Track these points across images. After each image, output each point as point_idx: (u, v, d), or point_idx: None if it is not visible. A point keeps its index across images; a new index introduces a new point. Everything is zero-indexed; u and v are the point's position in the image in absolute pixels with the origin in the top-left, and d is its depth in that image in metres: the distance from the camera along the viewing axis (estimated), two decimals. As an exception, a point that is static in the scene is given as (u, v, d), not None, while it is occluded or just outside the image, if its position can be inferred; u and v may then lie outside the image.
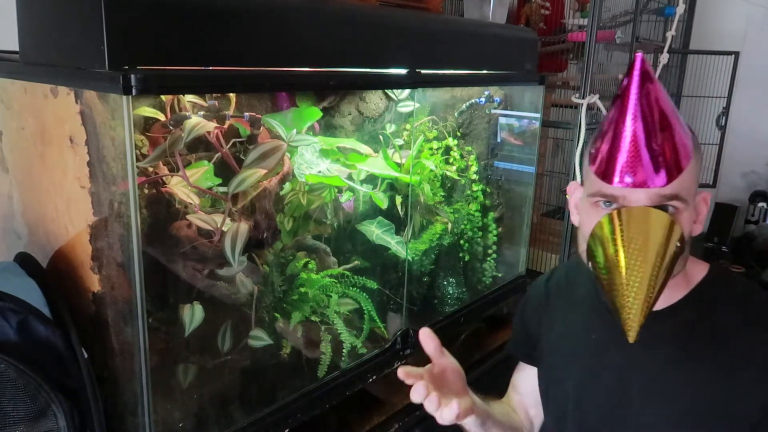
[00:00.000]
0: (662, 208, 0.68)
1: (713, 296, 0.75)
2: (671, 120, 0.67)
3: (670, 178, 0.66)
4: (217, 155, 0.94)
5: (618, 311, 0.65)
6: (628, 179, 0.67)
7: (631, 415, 0.76)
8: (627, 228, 0.66)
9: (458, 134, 1.43)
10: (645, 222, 0.66)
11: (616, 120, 0.68)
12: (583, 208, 0.77)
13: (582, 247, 0.75)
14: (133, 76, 0.67)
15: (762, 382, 0.69)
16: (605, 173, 0.69)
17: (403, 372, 0.69)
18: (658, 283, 0.65)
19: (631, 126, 0.67)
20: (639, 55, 0.68)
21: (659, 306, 0.74)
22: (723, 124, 2.46)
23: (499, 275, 1.52)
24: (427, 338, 0.75)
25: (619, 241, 0.66)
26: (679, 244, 0.66)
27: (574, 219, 0.82)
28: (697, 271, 0.76)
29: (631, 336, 0.64)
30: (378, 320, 1.17)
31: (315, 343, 1.09)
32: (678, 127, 0.68)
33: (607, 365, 0.79)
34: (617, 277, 0.65)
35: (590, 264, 0.71)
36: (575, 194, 0.84)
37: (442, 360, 0.76)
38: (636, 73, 0.68)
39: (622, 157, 0.67)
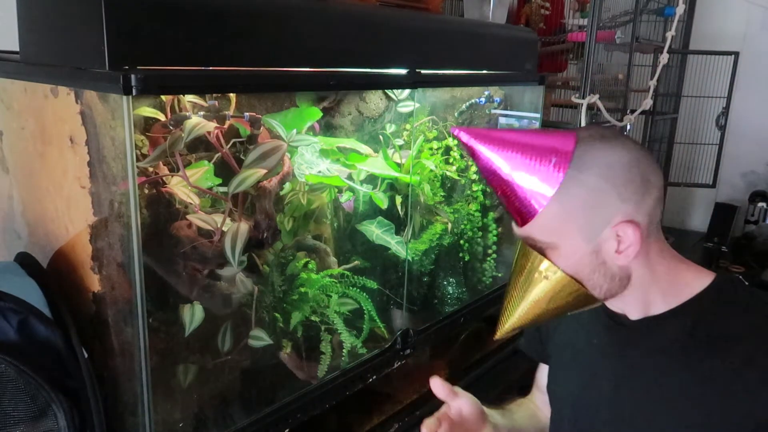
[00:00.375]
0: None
1: (715, 304, 0.74)
2: (506, 181, 0.70)
3: (519, 225, 0.72)
4: (217, 155, 0.94)
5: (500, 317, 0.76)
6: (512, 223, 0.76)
7: (626, 422, 0.76)
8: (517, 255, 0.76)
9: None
10: (523, 251, 0.74)
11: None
12: None
13: None
14: (133, 76, 0.67)
15: (761, 392, 0.68)
16: None
17: (424, 428, 0.76)
18: (520, 300, 0.74)
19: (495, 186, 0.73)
20: (458, 132, 0.71)
21: (633, 316, 0.77)
22: (723, 124, 2.46)
23: (499, 275, 1.52)
24: (438, 387, 0.80)
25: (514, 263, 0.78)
26: (545, 274, 0.72)
27: None
28: (699, 279, 0.76)
29: (497, 334, 0.76)
30: (378, 320, 1.17)
31: (315, 343, 1.09)
32: (516, 184, 0.70)
33: (605, 371, 0.80)
34: (508, 290, 0.76)
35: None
36: None
37: (456, 401, 0.80)
38: (466, 148, 0.71)
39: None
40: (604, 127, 0.73)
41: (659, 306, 0.75)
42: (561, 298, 0.72)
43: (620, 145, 0.70)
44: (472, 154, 0.71)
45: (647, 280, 0.74)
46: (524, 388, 1.03)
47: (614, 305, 0.78)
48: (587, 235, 0.70)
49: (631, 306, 0.76)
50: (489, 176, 0.71)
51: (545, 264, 0.71)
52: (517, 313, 0.75)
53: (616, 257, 0.70)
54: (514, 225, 0.74)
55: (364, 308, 1.15)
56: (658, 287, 0.74)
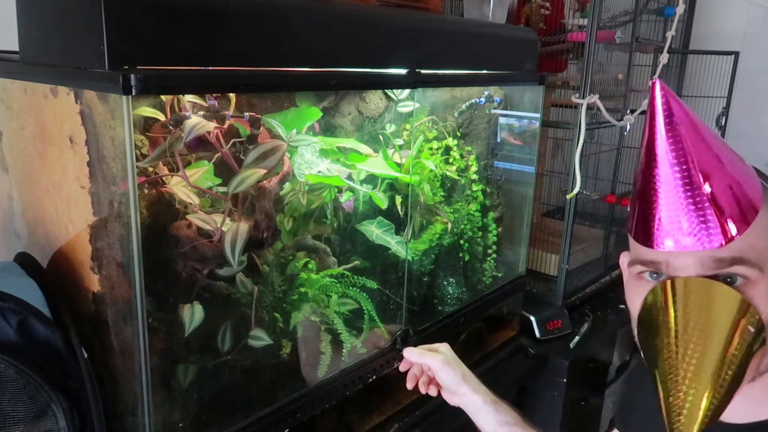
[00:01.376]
0: (723, 277, 0.51)
1: None
2: (721, 158, 0.52)
3: (727, 237, 0.50)
4: (216, 155, 0.93)
5: (667, 417, 0.49)
6: (668, 241, 0.52)
7: None
8: (679, 306, 0.50)
9: (458, 134, 1.43)
10: (700, 297, 0.50)
11: (644, 169, 0.54)
12: (627, 283, 0.62)
13: (634, 335, 0.59)
14: (133, 76, 0.67)
15: None
16: (641, 234, 0.55)
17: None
18: (724, 384, 0.48)
19: (663, 176, 0.52)
20: (656, 82, 0.53)
21: (733, 419, 0.56)
22: (723, 124, 2.46)
23: (499, 275, 1.52)
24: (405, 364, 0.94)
25: (669, 324, 0.51)
26: (753, 330, 0.49)
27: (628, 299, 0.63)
28: None
29: None
30: (378, 320, 1.17)
31: (315, 343, 1.09)
32: (731, 167, 0.52)
33: None
34: (667, 371, 0.50)
35: (642, 356, 0.55)
36: (624, 266, 0.65)
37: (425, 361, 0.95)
38: (657, 107, 0.52)
39: (661, 211, 0.53)
40: None
41: (732, 412, 0.52)
42: (755, 366, 0.50)
43: None
44: (680, 116, 0.51)
45: None
46: (524, 388, 1.03)
47: None
48: None
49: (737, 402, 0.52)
50: (689, 158, 0.51)
51: (753, 313, 0.49)
52: (714, 399, 0.48)
53: None
54: (688, 252, 0.51)
55: (364, 308, 1.15)
56: None
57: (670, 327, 0.51)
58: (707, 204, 0.51)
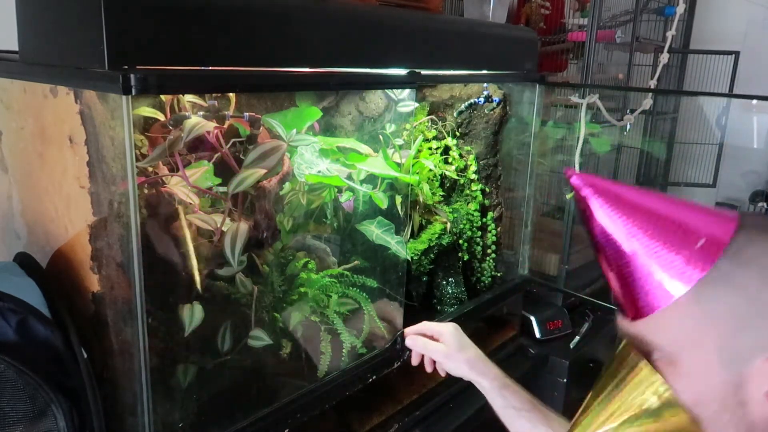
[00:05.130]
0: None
1: None
2: (625, 257, 0.52)
3: (633, 315, 0.53)
4: (216, 155, 0.93)
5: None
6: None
7: None
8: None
9: (457, 134, 1.43)
10: (619, 351, 0.56)
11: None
12: None
13: None
14: (132, 76, 0.66)
15: None
16: None
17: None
18: (602, 426, 0.54)
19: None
20: (568, 174, 0.55)
21: None
22: (723, 124, 2.46)
23: (499, 275, 1.52)
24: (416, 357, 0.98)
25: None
26: (657, 404, 0.51)
27: None
28: None
29: None
30: (378, 320, 1.17)
31: (315, 343, 1.09)
32: (640, 264, 0.51)
33: None
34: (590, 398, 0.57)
35: None
36: None
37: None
38: (577, 198, 0.54)
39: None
40: None
41: None
42: None
43: None
44: (585, 209, 0.54)
45: None
46: (524, 388, 1.03)
47: None
48: (728, 358, 0.49)
49: None
50: (602, 244, 0.53)
51: (657, 384, 0.51)
52: None
53: (765, 402, 0.49)
54: (620, 317, 0.56)
55: (364, 308, 1.15)
56: None
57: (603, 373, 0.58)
58: (619, 279, 0.53)
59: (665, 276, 0.50)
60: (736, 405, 0.50)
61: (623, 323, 0.55)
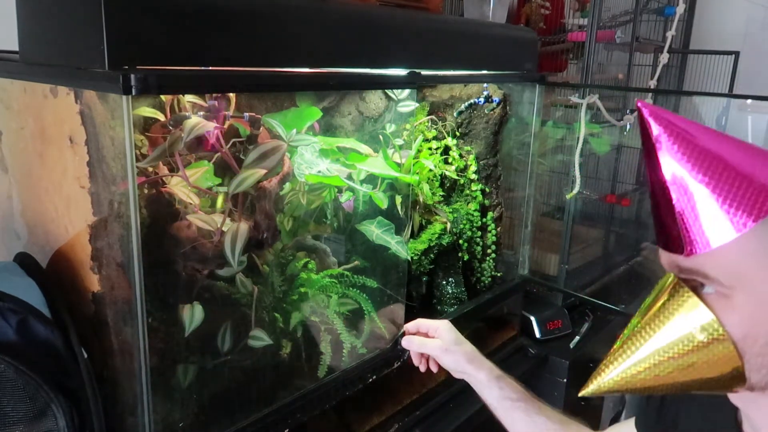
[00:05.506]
0: (692, 282, 0.54)
1: None
2: (691, 190, 0.53)
3: (688, 249, 0.53)
4: (216, 155, 0.93)
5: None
6: (659, 240, 0.56)
7: None
8: (653, 291, 0.58)
9: (457, 134, 1.43)
10: (661, 287, 0.57)
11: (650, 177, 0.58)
12: None
13: None
14: (132, 76, 0.66)
15: None
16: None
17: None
18: (643, 356, 0.55)
19: (657, 186, 0.55)
20: (639, 103, 0.56)
21: None
22: (723, 124, 2.46)
23: (499, 275, 1.52)
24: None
25: (646, 302, 0.58)
26: (704, 338, 0.52)
27: None
28: None
29: (586, 389, 0.59)
30: (378, 320, 1.17)
31: (315, 343, 1.09)
32: (708, 195, 0.52)
33: None
34: (624, 335, 0.58)
35: None
36: None
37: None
38: (643, 129, 0.55)
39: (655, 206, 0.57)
40: None
41: None
42: (704, 369, 0.54)
43: None
44: (650, 145, 0.54)
45: None
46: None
47: (752, 420, 0.59)
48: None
49: None
50: (666, 181, 0.53)
51: (706, 317, 0.52)
52: (628, 372, 0.56)
53: None
54: (667, 254, 0.56)
55: (364, 308, 1.15)
56: None
57: (644, 304, 0.58)
58: (678, 215, 0.53)
59: (732, 211, 0.51)
60: None
61: (675, 258, 0.55)
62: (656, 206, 0.55)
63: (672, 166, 0.53)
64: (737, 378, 0.53)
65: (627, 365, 0.56)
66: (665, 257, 0.56)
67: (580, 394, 0.61)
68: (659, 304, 0.56)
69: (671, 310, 0.54)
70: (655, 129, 0.54)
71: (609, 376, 0.57)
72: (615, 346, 0.58)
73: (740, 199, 0.51)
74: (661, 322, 0.55)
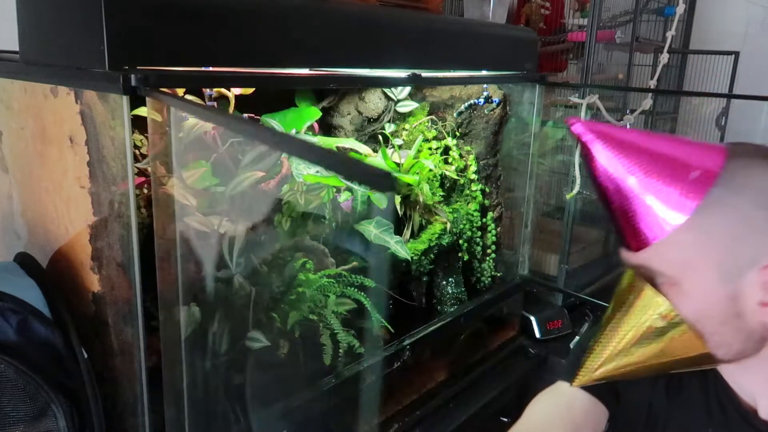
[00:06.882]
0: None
1: None
2: (627, 194, 0.57)
3: (636, 246, 0.58)
4: (215, 156, 0.93)
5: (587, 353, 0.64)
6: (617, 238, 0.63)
7: None
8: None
9: (457, 134, 1.43)
10: (625, 279, 0.62)
11: None
12: None
13: None
14: (132, 76, 0.67)
15: None
16: None
17: None
18: (618, 346, 0.60)
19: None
20: (570, 123, 0.61)
21: None
22: (723, 124, 2.46)
23: (499, 275, 1.52)
24: None
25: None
26: (664, 324, 0.57)
27: None
28: None
29: (576, 381, 0.64)
30: (377, 320, 1.17)
31: (313, 344, 1.09)
32: (639, 200, 0.56)
33: None
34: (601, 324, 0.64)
35: None
36: None
37: None
38: (580, 145, 0.60)
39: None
40: (765, 146, 0.59)
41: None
42: (674, 352, 0.58)
43: None
44: (587, 154, 0.59)
45: None
46: (524, 388, 1.03)
47: (744, 388, 0.63)
48: (726, 274, 0.55)
49: (765, 395, 0.61)
50: (604, 184, 0.58)
51: (662, 306, 0.57)
52: (610, 362, 0.61)
53: (759, 311, 0.55)
54: (623, 249, 0.61)
55: (367, 307, 1.15)
56: None
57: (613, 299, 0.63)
58: (621, 216, 0.58)
59: (664, 208, 0.55)
60: (734, 317, 0.56)
61: (627, 255, 0.60)
62: (605, 209, 0.60)
63: (606, 169, 0.57)
64: (705, 356, 0.57)
65: (606, 358, 0.61)
66: (622, 253, 0.61)
67: (572, 385, 0.67)
68: (628, 299, 0.60)
69: (635, 304, 0.59)
70: (586, 137, 0.59)
71: (597, 371, 0.62)
72: (595, 338, 0.63)
73: (670, 196, 0.55)
74: (628, 316, 0.59)
